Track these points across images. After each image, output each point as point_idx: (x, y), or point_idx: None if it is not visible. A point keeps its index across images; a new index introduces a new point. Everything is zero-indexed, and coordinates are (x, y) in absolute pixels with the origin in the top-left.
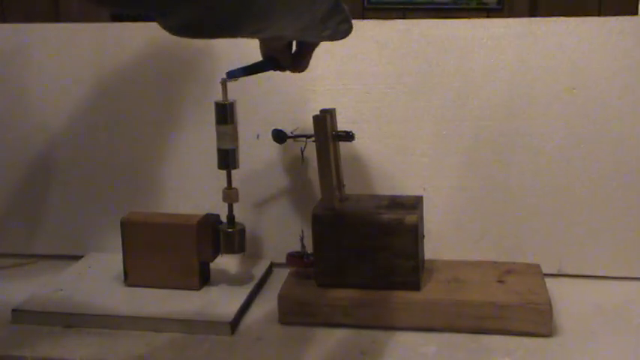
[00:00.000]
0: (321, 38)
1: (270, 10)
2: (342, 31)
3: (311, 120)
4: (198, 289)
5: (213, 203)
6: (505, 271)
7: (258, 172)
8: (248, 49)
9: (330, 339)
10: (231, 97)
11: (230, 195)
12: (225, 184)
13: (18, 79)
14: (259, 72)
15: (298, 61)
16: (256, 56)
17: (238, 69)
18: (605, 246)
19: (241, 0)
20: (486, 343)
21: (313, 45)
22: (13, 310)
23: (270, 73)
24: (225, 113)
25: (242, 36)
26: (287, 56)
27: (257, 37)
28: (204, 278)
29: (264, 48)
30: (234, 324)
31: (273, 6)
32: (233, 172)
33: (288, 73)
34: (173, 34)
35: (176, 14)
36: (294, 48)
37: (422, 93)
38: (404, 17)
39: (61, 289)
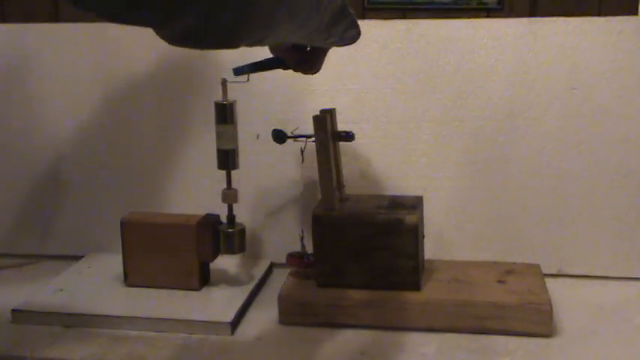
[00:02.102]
0: (326, 45)
1: (271, 18)
2: (349, 38)
3: (311, 120)
4: (198, 289)
5: (213, 203)
6: (505, 271)
7: (258, 173)
8: (251, 50)
9: (330, 339)
10: (231, 97)
11: (229, 195)
12: (225, 185)
13: (17, 79)
14: (266, 69)
15: (311, 63)
16: (259, 57)
17: (245, 65)
18: (605, 246)
19: (241, 8)
20: (486, 344)
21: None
22: (13, 310)
23: (272, 72)
24: (225, 113)
25: (244, 45)
26: (291, 56)
27: (260, 46)
28: (204, 278)
29: (271, 46)
30: (234, 324)
31: (274, 14)
32: (233, 172)
33: (291, 72)
34: (170, 43)
35: (173, 24)
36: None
37: (422, 93)
38: (404, 17)
39: (61, 289)
